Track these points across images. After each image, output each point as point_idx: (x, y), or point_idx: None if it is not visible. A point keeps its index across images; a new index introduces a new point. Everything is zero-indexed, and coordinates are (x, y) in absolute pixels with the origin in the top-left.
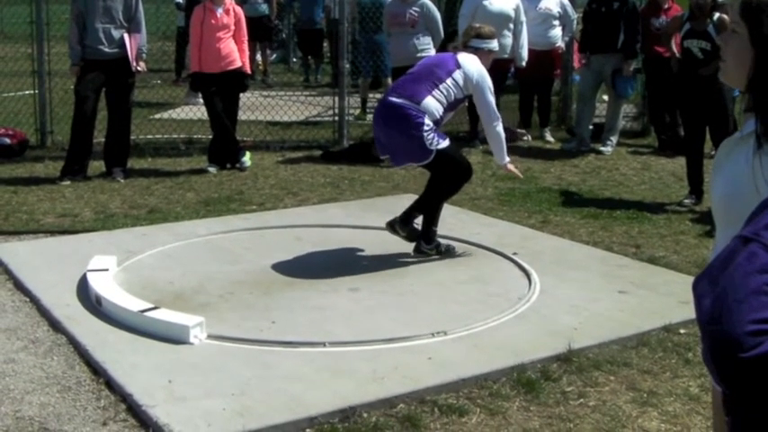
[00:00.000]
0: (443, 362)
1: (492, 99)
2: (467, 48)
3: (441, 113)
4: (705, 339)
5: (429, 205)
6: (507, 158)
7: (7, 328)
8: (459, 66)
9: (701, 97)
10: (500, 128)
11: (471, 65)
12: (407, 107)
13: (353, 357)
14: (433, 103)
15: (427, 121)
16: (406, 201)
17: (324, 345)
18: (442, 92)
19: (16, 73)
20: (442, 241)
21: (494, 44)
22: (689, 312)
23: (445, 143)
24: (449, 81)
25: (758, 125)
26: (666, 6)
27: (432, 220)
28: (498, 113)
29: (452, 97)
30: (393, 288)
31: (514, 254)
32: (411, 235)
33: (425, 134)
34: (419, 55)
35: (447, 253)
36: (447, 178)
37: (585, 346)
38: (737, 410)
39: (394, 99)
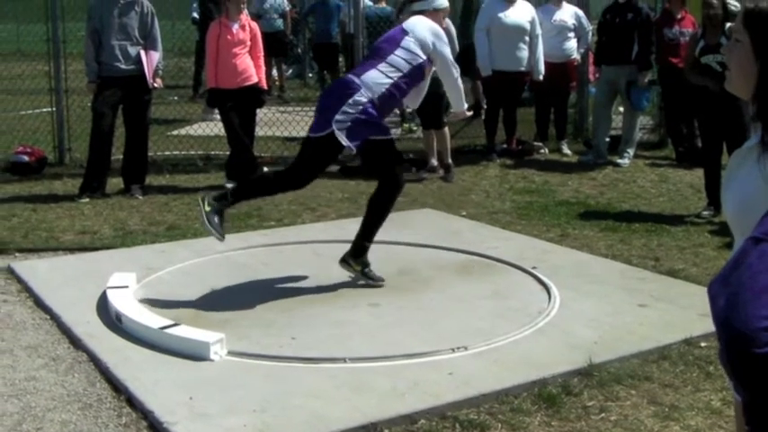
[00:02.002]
0: (464, 377)
1: (448, 51)
2: (413, 13)
3: (387, 87)
4: (721, 339)
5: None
6: (465, 105)
7: (28, 346)
8: (406, 32)
9: (720, 109)
10: (459, 78)
11: (420, 26)
12: (349, 81)
13: (374, 373)
14: (375, 76)
15: (360, 97)
16: (423, 215)
17: (344, 361)
18: (389, 64)
19: (34, 91)
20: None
21: (438, 1)
22: (709, 325)
23: (344, 142)
24: (398, 51)
25: (763, 133)
26: (679, 17)
27: (364, 235)
28: (456, 65)
29: (405, 68)
30: (413, 303)
31: (534, 268)
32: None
33: (344, 110)
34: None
35: (369, 278)
36: (287, 169)
37: (606, 361)
38: (758, 419)
39: (345, 76)
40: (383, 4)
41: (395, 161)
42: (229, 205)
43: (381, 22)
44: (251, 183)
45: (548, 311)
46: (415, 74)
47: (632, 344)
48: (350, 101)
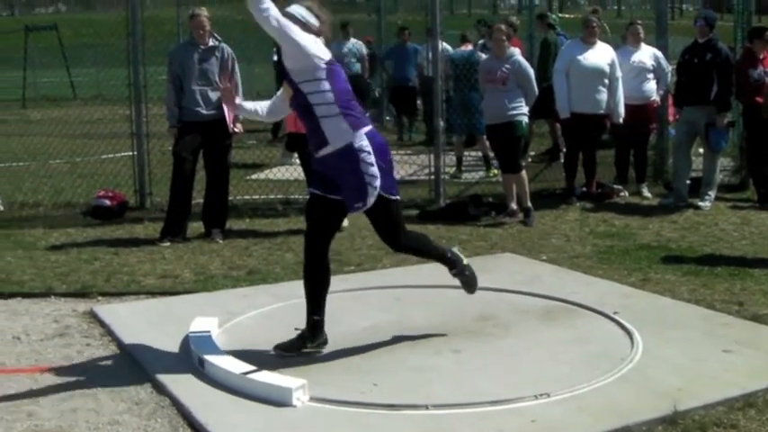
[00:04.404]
0: (547, 425)
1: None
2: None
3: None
4: None
5: None
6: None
7: (111, 390)
8: None
9: None
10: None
11: None
12: None
13: (456, 420)
14: None
15: None
16: (503, 260)
17: (426, 407)
18: None
19: (114, 135)
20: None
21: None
22: None
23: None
24: None
25: None
26: (762, 56)
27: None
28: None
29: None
30: (495, 349)
31: (616, 313)
32: None
33: None
34: (510, 113)
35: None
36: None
37: (691, 408)
38: None
39: None
40: (469, 47)
41: (392, 221)
42: (319, 318)
43: (467, 66)
44: (307, 295)
45: (631, 357)
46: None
47: (717, 391)
48: None
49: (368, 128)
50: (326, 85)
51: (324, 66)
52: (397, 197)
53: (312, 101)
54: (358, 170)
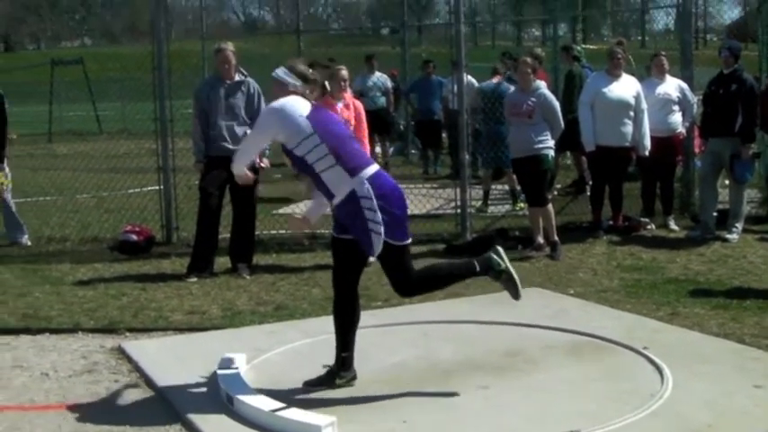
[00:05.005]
0: None
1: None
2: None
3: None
4: None
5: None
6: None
7: (140, 428)
8: None
9: None
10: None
11: None
12: None
13: None
14: None
15: None
16: (530, 293)
17: None
18: None
19: (141, 169)
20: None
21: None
22: None
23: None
24: None
25: None
26: None
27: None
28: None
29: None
30: (523, 385)
31: (645, 348)
32: None
33: None
34: (536, 146)
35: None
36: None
37: None
38: None
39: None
40: (498, 79)
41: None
42: (348, 354)
43: (496, 99)
44: (336, 330)
45: (661, 393)
46: (301, 168)
47: (748, 427)
48: None
49: (370, 171)
50: (317, 139)
51: (306, 120)
52: (406, 242)
53: (309, 160)
54: (362, 217)
